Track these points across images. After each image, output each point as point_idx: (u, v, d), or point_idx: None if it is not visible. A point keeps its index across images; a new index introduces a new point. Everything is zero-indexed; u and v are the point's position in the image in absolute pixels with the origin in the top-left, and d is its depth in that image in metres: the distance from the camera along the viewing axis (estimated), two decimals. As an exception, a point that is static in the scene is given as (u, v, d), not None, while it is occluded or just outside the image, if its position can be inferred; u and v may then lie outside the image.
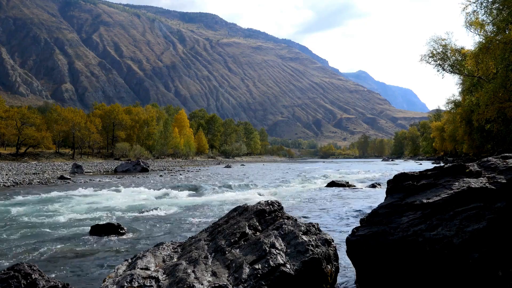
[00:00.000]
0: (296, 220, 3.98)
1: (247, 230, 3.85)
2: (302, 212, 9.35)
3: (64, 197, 12.90)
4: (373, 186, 16.17)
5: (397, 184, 4.14)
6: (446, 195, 3.58)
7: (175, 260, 3.68)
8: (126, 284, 3.07)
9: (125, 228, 7.12)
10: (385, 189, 4.32)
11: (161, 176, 26.97)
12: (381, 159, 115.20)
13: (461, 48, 29.73)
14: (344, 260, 4.45)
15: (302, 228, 3.70)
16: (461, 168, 4.06)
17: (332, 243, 3.65)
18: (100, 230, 6.94)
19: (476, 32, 25.02)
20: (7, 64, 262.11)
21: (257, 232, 3.87)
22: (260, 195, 13.53)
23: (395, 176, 4.27)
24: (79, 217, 8.90)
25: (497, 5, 22.54)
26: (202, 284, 2.98)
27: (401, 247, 3.38)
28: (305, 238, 3.50)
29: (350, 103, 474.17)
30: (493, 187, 3.48)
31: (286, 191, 15.28)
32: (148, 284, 3.10)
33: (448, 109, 52.17)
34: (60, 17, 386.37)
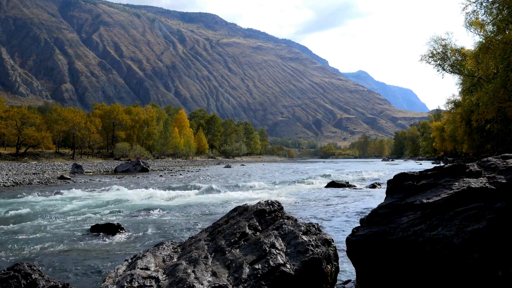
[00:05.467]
0: (296, 220, 3.97)
1: (247, 230, 3.85)
2: (302, 212, 9.35)
3: (64, 197, 12.90)
4: (373, 186, 16.17)
5: (397, 184, 4.14)
6: (446, 195, 3.58)
7: (175, 260, 3.68)
8: (126, 284, 3.06)
9: (125, 228, 7.13)
10: (385, 189, 4.31)
11: (161, 176, 26.97)
12: (381, 159, 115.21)
13: (461, 48, 29.68)
14: (344, 260, 4.45)
15: (302, 228, 3.70)
16: (461, 168, 4.06)
17: (332, 243, 3.64)
18: (100, 230, 6.95)
19: (476, 32, 25.02)
20: (7, 64, 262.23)
21: (257, 232, 3.87)
22: (260, 194, 13.53)
23: (395, 176, 4.26)
24: (79, 217, 8.90)
25: (497, 5, 22.54)
26: (202, 284, 2.98)
27: (401, 247, 3.38)
28: (305, 238, 3.50)
29: (350, 103, 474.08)
30: (493, 187, 3.48)
31: (286, 191, 15.27)
32: (148, 284, 3.10)
33: (448, 109, 52.11)
34: (60, 17, 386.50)
